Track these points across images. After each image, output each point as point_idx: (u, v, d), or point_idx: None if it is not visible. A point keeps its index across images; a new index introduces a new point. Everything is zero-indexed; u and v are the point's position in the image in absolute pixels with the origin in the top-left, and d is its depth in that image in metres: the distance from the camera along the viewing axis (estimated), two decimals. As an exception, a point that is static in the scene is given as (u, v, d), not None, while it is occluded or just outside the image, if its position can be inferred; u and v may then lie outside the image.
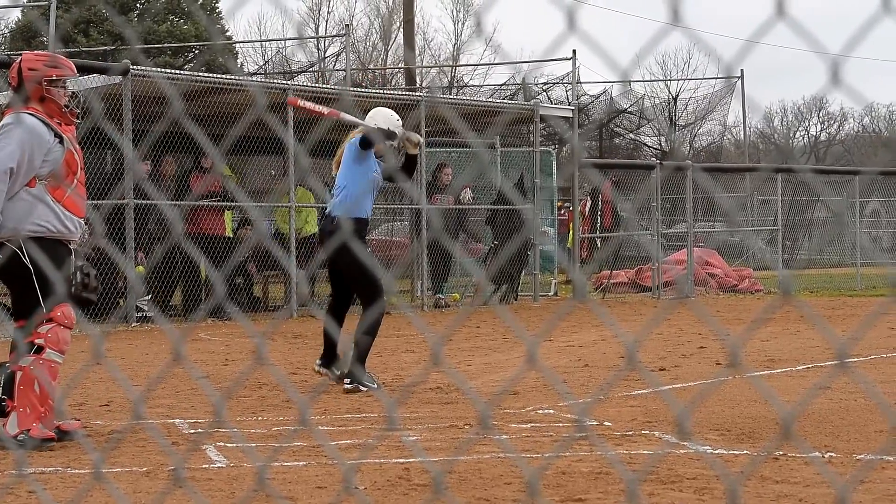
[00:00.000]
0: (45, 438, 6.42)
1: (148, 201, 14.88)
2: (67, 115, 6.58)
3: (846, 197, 26.58)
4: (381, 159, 9.20)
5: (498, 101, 26.70)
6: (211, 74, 16.68)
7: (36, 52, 7.11)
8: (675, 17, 2.10)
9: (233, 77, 17.08)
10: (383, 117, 9.17)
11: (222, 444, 6.50)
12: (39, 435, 6.41)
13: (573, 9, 2.13)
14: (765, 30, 2.12)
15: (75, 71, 6.75)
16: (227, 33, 40.94)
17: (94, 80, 14.07)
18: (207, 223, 16.08)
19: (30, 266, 6.35)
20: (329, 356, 9.09)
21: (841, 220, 29.03)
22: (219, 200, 16.15)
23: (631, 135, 37.99)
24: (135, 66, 14.57)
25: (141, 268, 15.45)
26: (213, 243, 15.76)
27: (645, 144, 38.77)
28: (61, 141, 6.51)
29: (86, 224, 6.76)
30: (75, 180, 6.58)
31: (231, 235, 16.59)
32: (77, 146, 6.66)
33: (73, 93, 6.66)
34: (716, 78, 37.76)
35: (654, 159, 30.56)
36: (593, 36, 2.38)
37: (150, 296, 15.45)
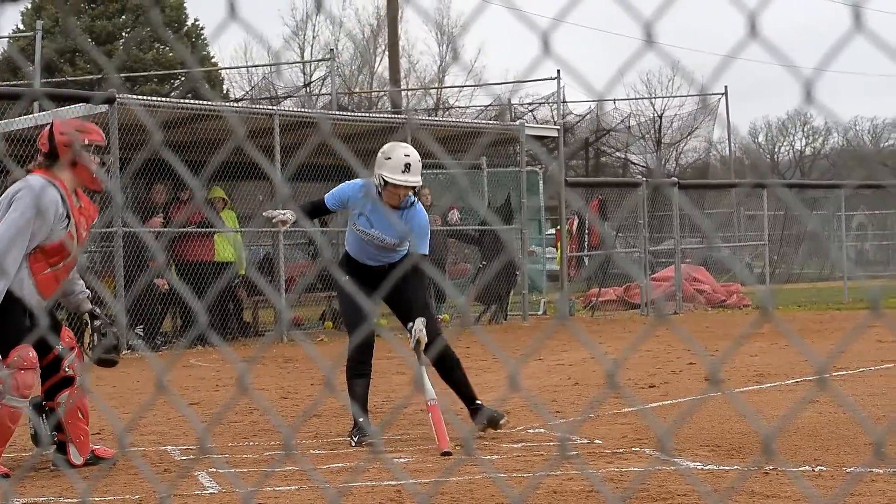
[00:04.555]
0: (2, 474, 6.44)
1: (135, 229, 14.89)
2: (97, 180, 6.61)
3: (832, 211, 26.65)
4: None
5: (483, 122, 26.72)
6: (194, 101, 16.69)
7: (67, 118, 7.14)
8: (649, 36, 2.14)
9: (215, 104, 17.09)
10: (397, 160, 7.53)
11: (214, 470, 6.50)
12: None
13: (548, 32, 2.17)
14: (738, 50, 2.15)
15: (104, 138, 6.77)
16: (213, 59, 40.97)
17: (80, 109, 14.08)
18: (193, 250, 16.06)
19: None
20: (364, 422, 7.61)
21: (817, 236, 29.07)
22: (203, 227, 16.10)
23: (617, 153, 38.06)
24: (117, 96, 14.59)
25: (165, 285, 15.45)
26: (200, 270, 15.74)
27: (631, 162, 38.83)
28: (68, 223, 6.51)
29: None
30: (62, 263, 6.50)
31: (227, 260, 16.43)
32: (86, 227, 6.63)
33: (101, 155, 6.64)
34: (698, 95, 37.85)
35: (641, 177, 30.62)
36: (570, 59, 2.41)
37: (142, 326, 15.42)
